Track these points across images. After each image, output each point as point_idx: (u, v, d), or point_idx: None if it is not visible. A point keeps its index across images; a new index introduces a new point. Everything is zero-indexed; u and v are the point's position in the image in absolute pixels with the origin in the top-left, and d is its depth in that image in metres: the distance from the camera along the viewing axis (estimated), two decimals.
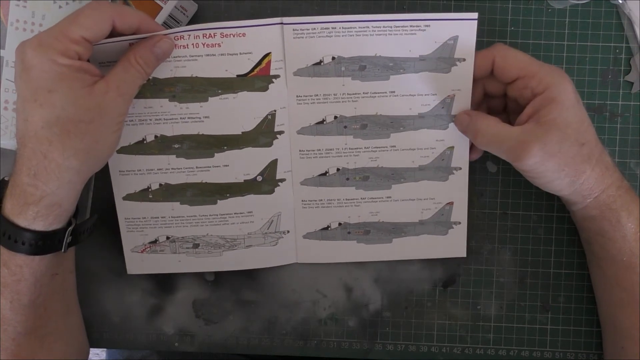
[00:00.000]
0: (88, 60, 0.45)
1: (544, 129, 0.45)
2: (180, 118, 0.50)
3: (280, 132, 0.52)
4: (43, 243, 0.44)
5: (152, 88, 0.49)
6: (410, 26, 0.49)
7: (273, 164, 0.52)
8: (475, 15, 0.49)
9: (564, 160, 0.46)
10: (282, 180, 0.53)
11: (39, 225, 0.44)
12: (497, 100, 0.52)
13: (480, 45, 0.52)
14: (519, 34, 0.54)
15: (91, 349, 0.55)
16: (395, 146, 0.52)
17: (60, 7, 0.51)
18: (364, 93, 0.51)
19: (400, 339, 0.56)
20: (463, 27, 0.49)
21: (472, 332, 0.55)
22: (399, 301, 0.56)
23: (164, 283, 0.56)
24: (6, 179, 0.46)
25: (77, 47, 0.43)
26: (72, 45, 0.42)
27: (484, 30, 0.53)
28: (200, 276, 0.56)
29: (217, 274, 0.56)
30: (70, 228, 0.46)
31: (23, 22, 0.51)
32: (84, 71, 0.43)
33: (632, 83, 0.54)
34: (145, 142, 0.51)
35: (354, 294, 0.56)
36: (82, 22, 0.43)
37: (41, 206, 0.44)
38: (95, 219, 0.51)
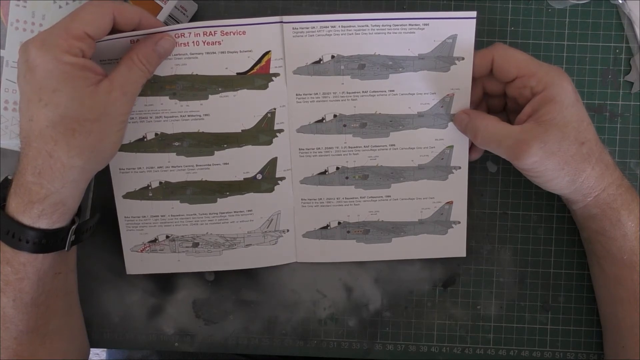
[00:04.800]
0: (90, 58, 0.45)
1: (544, 127, 0.45)
2: (181, 116, 0.50)
3: (280, 131, 0.52)
4: (47, 241, 0.45)
5: (153, 85, 0.49)
6: (409, 25, 0.49)
7: (273, 162, 0.52)
8: (474, 14, 0.49)
9: (563, 159, 0.46)
10: (282, 178, 0.53)
11: (43, 224, 0.44)
12: (497, 99, 0.52)
13: (481, 45, 0.52)
14: (519, 34, 0.54)
15: (91, 349, 0.55)
16: (394, 145, 0.52)
17: (60, 7, 0.51)
18: (363, 92, 0.51)
19: (400, 339, 0.56)
20: (462, 26, 0.49)
21: (472, 332, 0.55)
22: (399, 301, 0.56)
23: (164, 283, 0.56)
24: (10, 177, 0.46)
25: (81, 44, 0.43)
26: (76, 42, 0.43)
27: (484, 30, 0.54)
28: (200, 276, 0.56)
29: (217, 274, 0.56)
30: (74, 227, 0.46)
31: (23, 22, 0.51)
32: (87, 69, 0.43)
33: (632, 83, 0.54)
34: (145, 139, 0.51)
35: (354, 294, 0.56)
36: (83, 18, 0.43)
37: (46, 204, 0.44)
38: (97, 218, 0.51)
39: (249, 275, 0.56)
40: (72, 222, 0.47)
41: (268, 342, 0.56)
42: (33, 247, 0.44)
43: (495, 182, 0.55)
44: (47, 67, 0.42)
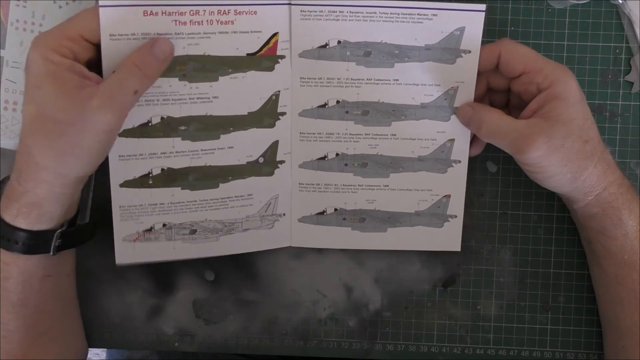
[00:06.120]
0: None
1: (549, 123, 0.46)
2: (189, 98, 0.49)
3: (283, 114, 0.51)
4: (28, 242, 0.44)
5: None
6: (418, 14, 0.48)
7: (274, 146, 0.51)
8: (483, 7, 0.48)
9: (567, 155, 0.46)
10: (282, 162, 0.52)
11: (22, 224, 0.44)
12: (500, 95, 0.52)
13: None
14: (519, 34, 0.54)
15: (91, 349, 0.55)
16: (395, 135, 0.52)
17: (60, 7, 0.51)
18: (367, 79, 0.50)
19: (400, 339, 0.56)
20: (470, 19, 0.48)
21: (472, 332, 0.55)
22: (399, 301, 0.56)
23: (164, 283, 0.56)
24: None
25: (73, 45, 0.42)
26: (67, 42, 0.42)
27: (484, 30, 0.53)
28: (200, 276, 0.56)
29: (217, 274, 0.56)
30: (59, 231, 0.45)
31: (23, 22, 0.51)
32: (74, 72, 0.42)
33: (632, 83, 0.54)
34: (150, 124, 0.49)
35: (354, 294, 0.56)
36: (81, 21, 0.43)
37: (22, 203, 0.43)
38: (90, 225, 0.50)
39: (249, 275, 0.56)
40: (61, 226, 0.46)
41: (268, 342, 0.56)
42: (16, 246, 0.44)
43: (495, 182, 0.55)
44: (36, 64, 0.42)
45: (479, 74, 0.50)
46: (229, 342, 0.56)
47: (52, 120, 0.42)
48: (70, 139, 0.42)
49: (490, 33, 0.54)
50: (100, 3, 0.44)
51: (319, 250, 0.56)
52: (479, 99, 0.52)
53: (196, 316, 0.56)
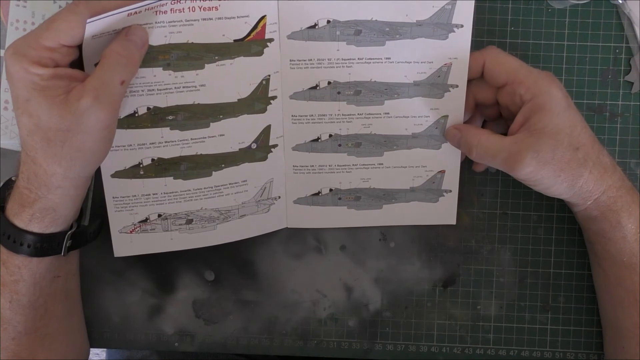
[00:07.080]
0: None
1: (536, 137, 0.45)
2: (175, 87, 0.48)
3: (274, 97, 0.50)
4: (41, 245, 0.44)
5: (146, 56, 0.46)
6: None
7: (267, 130, 0.51)
8: None
9: (559, 166, 0.46)
10: (275, 146, 0.52)
11: (35, 228, 0.44)
12: (490, 108, 0.51)
13: (480, 45, 0.52)
14: (519, 34, 0.54)
15: (91, 349, 0.55)
16: (388, 113, 0.51)
17: (60, 7, 0.51)
18: (358, 59, 0.50)
19: (400, 339, 0.56)
20: None
21: (472, 332, 0.55)
22: (399, 301, 0.56)
23: (164, 283, 0.56)
24: (13, 179, 0.46)
25: (54, 54, 0.41)
26: (47, 53, 0.41)
27: (483, 30, 0.53)
28: (200, 276, 0.56)
29: (217, 274, 0.56)
30: (70, 232, 0.46)
31: (23, 22, 0.51)
32: (58, 78, 0.41)
33: (632, 83, 0.54)
34: (137, 115, 0.48)
35: (354, 294, 0.56)
36: (58, 27, 0.41)
37: (35, 209, 0.44)
38: (97, 223, 0.50)
39: (249, 275, 0.56)
40: (70, 227, 0.47)
41: (268, 342, 0.56)
42: (28, 250, 0.44)
43: (495, 182, 0.55)
44: (18, 77, 0.41)
45: (467, 83, 0.49)
46: (229, 342, 0.56)
47: (50, 130, 0.41)
48: (72, 144, 0.42)
49: (490, 33, 0.54)
50: (88, 20, 0.42)
51: (319, 250, 0.56)
52: (469, 109, 0.51)
53: (196, 316, 0.56)
